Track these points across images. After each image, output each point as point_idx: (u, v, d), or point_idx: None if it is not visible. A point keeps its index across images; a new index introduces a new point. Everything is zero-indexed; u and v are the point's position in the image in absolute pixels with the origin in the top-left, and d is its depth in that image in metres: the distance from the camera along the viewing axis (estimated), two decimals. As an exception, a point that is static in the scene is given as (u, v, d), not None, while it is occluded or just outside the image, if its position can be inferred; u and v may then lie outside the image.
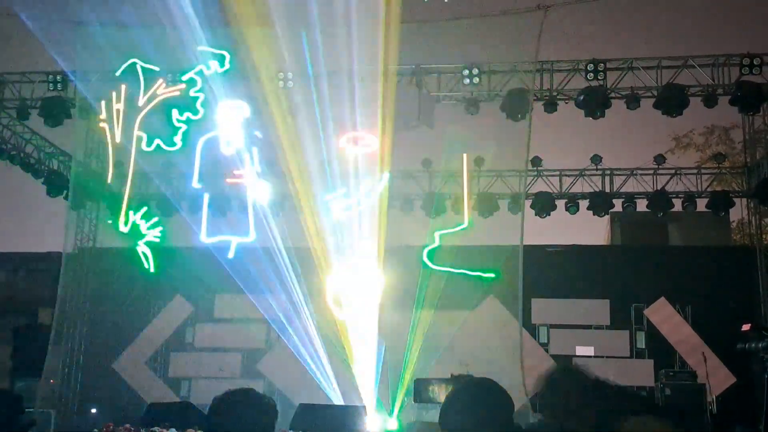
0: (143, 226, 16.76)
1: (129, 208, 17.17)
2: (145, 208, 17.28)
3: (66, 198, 19.71)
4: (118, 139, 17.30)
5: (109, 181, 17.70)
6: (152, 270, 16.68)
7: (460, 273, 16.28)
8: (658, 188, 18.79)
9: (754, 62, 16.45)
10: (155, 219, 17.07)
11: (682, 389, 17.03)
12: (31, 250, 23.26)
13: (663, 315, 19.01)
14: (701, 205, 18.84)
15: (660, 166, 18.71)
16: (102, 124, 17.32)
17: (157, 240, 16.73)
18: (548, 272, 19.01)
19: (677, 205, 18.80)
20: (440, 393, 16.02)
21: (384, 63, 16.26)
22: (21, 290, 22.44)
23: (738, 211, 20.05)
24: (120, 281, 19.54)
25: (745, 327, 16.67)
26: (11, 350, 20.33)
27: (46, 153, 20.34)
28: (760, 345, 16.25)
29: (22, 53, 18.90)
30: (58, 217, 20.05)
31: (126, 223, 16.93)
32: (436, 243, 16.24)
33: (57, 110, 18.47)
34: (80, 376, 19.66)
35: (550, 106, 17.42)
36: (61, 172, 20.29)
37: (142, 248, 16.60)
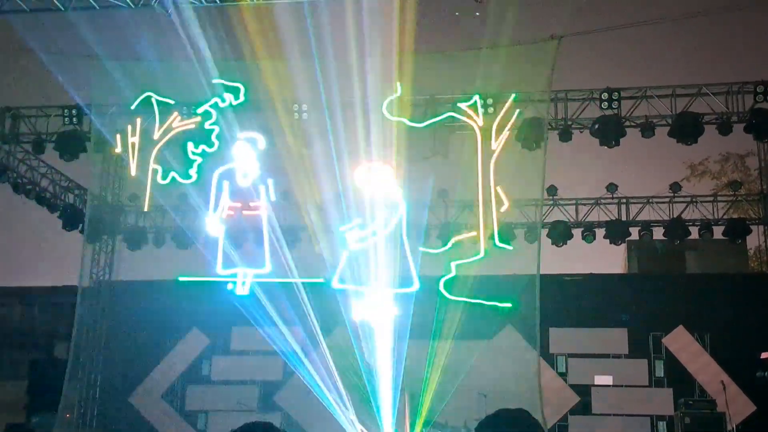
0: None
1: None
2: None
3: (82, 231, 19.77)
4: (133, 172, 17.39)
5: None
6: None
7: (477, 303, 16.19)
8: (675, 216, 18.74)
9: (769, 90, 16.46)
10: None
11: (702, 418, 16.96)
12: (46, 284, 23.29)
13: (681, 343, 18.89)
14: (718, 232, 18.75)
15: (676, 194, 18.64)
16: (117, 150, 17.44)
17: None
18: (566, 301, 18.97)
19: (694, 232, 18.72)
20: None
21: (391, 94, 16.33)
22: (37, 324, 22.47)
23: (755, 239, 19.94)
24: (136, 314, 19.56)
25: (765, 355, 16.66)
26: (27, 384, 20.33)
27: (61, 187, 20.47)
28: (779, 373, 16.25)
29: (38, 87, 19.02)
30: (74, 251, 20.09)
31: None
32: (453, 273, 16.16)
33: (72, 144, 18.62)
34: (96, 410, 19.58)
35: (565, 135, 17.45)
36: (77, 206, 20.43)
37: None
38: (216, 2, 15.09)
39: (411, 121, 16.80)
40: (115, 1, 14.92)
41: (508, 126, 16.40)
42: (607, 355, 19.24)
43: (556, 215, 19.16)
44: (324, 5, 15.16)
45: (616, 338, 19.03)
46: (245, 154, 16.50)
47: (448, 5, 17.21)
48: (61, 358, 20.14)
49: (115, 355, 19.85)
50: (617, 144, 17.08)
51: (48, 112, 19.01)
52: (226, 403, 19.44)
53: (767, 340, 17.04)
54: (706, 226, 18.73)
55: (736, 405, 17.17)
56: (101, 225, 19.88)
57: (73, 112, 18.45)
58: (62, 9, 14.94)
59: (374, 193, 16.03)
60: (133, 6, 15.00)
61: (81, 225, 19.79)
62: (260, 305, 16.46)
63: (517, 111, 16.51)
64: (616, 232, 18.76)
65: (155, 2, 14.98)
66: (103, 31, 16.34)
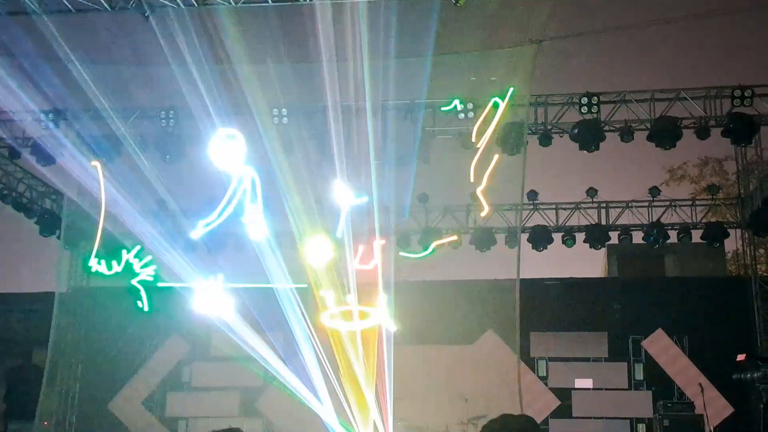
0: (137, 264, 16.59)
1: (122, 247, 17.09)
2: (138, 247, 17.07)
3: (59, 237, 19.58)
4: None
5: (101, 220, 17.43)
6: (147, 309, 16.48)
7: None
8: (654, 220, 18.84)
9: (746, 94, 16.48)
10: (149, 257, 16.86)
11: (681, 420, 17.12)
12: (24, 290, 23.03)
13: (660, 346, 19.04)
14: (696, 236, 18.87)
15: (655, 198, 18.79)
16: (94, 163, 17.24)
17: (151, 279, 16.55)
18: (546, 305, 19.02)
19: (673, 236, 18.84)
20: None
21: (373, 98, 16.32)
22: (15, 331, 22.17)
23: (732, 242, 20.08)
24: (115, 320, 19.39)
25: (740, 357, 16.74)
26: (4, 392, 20.12)
27: (38, 192, 20.25)
28: (755, 375, 16.30)
29: (13, 92, 18.79)
30: (52, 257, 19.89)
31: (119, 263, 16.76)
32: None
33: (49, 149, 18.38)
34: (75, 417, 19.40)
35: (545, 139, 17.46)
36: (54, 212, 20.18)
37: (136, 285, 16.41)
38: (194, 5, 14.99)
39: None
40: (92, 4, 14.80)
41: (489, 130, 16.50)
42: (587, 359, 19.35)
43: (537, 220, 19.22)
44: (304, 9, 15.10)
45: (596, 342, 19.15)
46: (225, 155, 16.38)
47: (427, 9, 17.16)
48: (39, 365, 19.90)
49: (93, 361, 19.69)
50: (597, 148, 17.09)
51: (24, 117, 18.76)
52: (206, 410, 19.33)
53: (744, 343, 17.18)
54: (684, 229, 18.86)
55: (714, 407, 17.35)
56: (78, 231, 19.66)
57: (50, 116, 18.25)
58: (37, 12, 14.80)
59: (354, 198, 15.95)
60: (109, 9, 14.89)
61: (58, 231, 19.59)
62: (242, 309, 16.38)
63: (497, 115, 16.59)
64: (596, 236, 18.82)
65: (132, 5, 14.87)
66: (78, 35, 16.18)
